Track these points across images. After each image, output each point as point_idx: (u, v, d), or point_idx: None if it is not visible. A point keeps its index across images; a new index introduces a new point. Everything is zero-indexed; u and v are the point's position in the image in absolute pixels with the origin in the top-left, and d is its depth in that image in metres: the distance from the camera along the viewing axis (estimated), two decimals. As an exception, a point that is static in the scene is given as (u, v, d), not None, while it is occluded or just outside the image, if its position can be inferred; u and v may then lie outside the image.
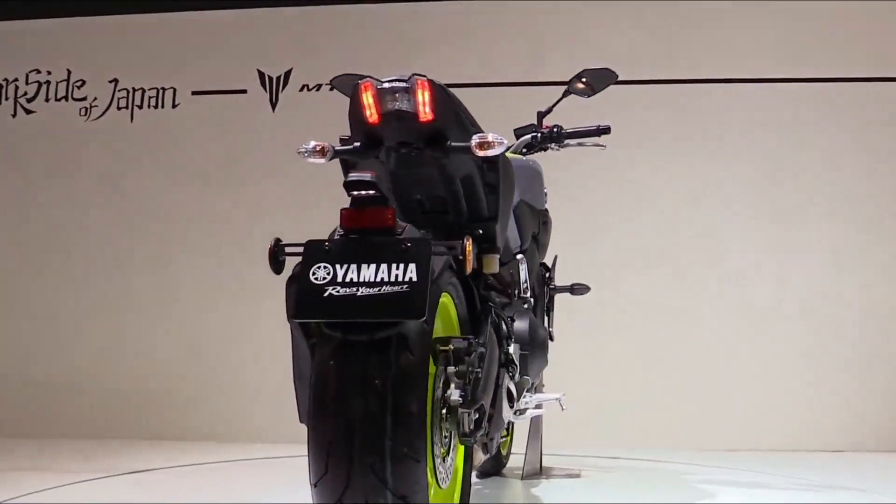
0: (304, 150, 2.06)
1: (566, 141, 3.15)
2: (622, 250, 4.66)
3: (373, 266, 1.68)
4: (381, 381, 1.66)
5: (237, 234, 4.98)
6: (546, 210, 3.13)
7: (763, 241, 4.64)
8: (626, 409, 4.48)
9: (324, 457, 1.66)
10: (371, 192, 1.78)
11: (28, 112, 5.25)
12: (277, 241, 1.83)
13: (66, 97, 5.23)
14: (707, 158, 4.73)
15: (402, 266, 1.68)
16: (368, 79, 2.02)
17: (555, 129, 3.14)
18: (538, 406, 2.88)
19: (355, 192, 1.78)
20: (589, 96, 3.14)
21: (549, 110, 3.23)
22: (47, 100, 5.24)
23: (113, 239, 5.07)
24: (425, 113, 2.00)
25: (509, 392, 2.39)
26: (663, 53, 4.80)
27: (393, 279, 1.67)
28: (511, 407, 2.42)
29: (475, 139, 2.03)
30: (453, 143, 2.07)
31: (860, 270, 4.59)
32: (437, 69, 4.86)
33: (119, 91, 5.19)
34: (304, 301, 1.68)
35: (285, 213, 4.91)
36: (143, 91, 5.17)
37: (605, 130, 3.08)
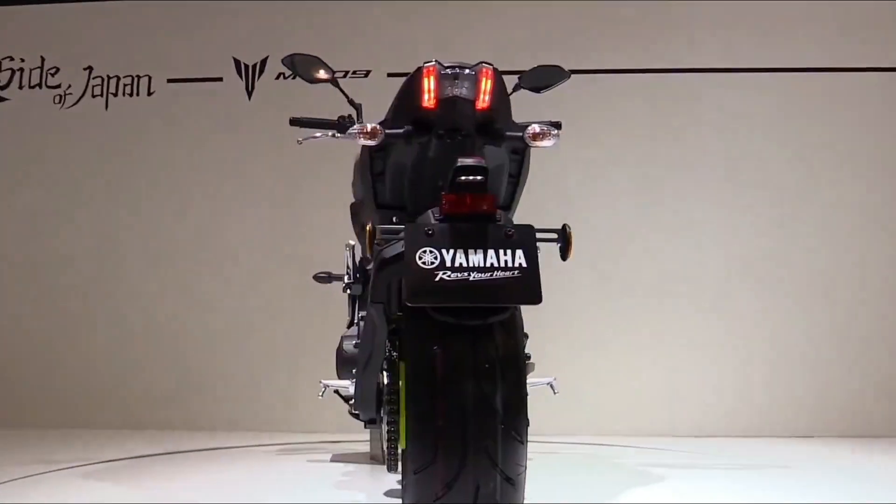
0: (355, 131, 2.02)
1: None
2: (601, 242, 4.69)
3: (480, 251, 1.67)
4: (490, 365, 1.66)
5: (213, 222, 4.97)
6: None
7: (737, 226, 4.69)
8: (596, 396, 4.53)
9: (432, 443, 1.64)
10: (480, 177, 1.75)
11: (1, 100, 5.20)
12: (374, 226, 1.77)
13: (39, 85, 5.18)
14: (697, 143, 4.77)
15: (509, 252, 1.68)
16: (434, 63, 2.00)
17: None
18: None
19: (464, 178, 1.74)
20: (539, 92, 3.14)
21: None
22: (21, 87, 5.19)
23: (89, 227, 5.04)
24: (483, 101, 2.01)
25: None
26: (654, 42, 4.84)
27: (503, 265, 1.67)
28: None
29: (530, 129, 2.05)
30: (508, 132, 2.07)
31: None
32: (409, 55, 4.90)
33: (94, 79, 5.15)
34: (416, 286, 1.64)
35: (262, 200, 4.91)
36: (118, 79, 5.14)
37: (556, 125, 3.09)
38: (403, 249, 1.70)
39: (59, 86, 5.17)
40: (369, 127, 2.01)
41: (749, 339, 4.63)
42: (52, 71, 5.18)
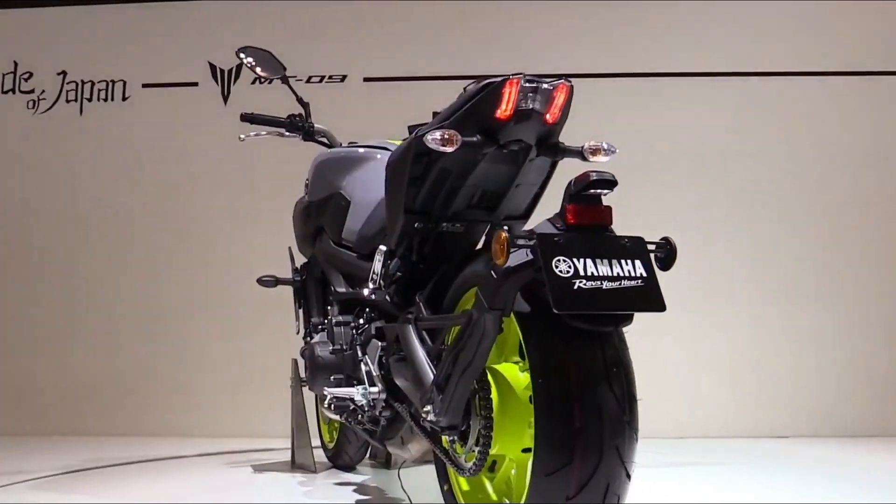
0: (434, 137, 2.03)
1: None
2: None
3: (605, 261, 1.73)
4: (617, 368, 1.75)
5: (189, 227, 4.95)
6: None
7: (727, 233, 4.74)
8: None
9: (569, 445, 1.70)
10: (608, 192, 1.81)
11: (-27, 105, 5.15)
12: (510, 233, 1.79)
13: (13, 90, 5.14)
14: (713, 146, 4.81)
15: (629, 262, 1.74)
16: (520, 75, 2.03)
17: None
18: None
19: (594, 190, 1.80)
20: None
21: None
22: (-7, 92, 5.16)
23: (62, 234, 5.01)
24: (553, 114, 2.06)
25: None
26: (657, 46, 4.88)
27: (626, 274, 1.73)
28: None
29: (587, 145, 2.10)
30: (566, 147, 2.13)
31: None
32: (386, 60, 4.93)
33: (68, 83, 5.12)
34: (559, 294, 1.68)
35: (238, 205, 4.90)
36: (93, 83, 5.11)
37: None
38: (530, 258, 1.76)
39: (32, 91, 5.13)
40: (448, 134, 2.03)
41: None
42: (26, 76, 5.14)
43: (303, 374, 3.42)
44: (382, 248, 2.42)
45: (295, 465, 3.52)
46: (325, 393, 2.62)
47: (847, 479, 3.36)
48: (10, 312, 4.98)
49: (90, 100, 5.10)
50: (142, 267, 4.96)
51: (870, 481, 3.32)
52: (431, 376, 2.10)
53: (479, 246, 2.47)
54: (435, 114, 3.28)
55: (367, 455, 3.52)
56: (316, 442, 3.59)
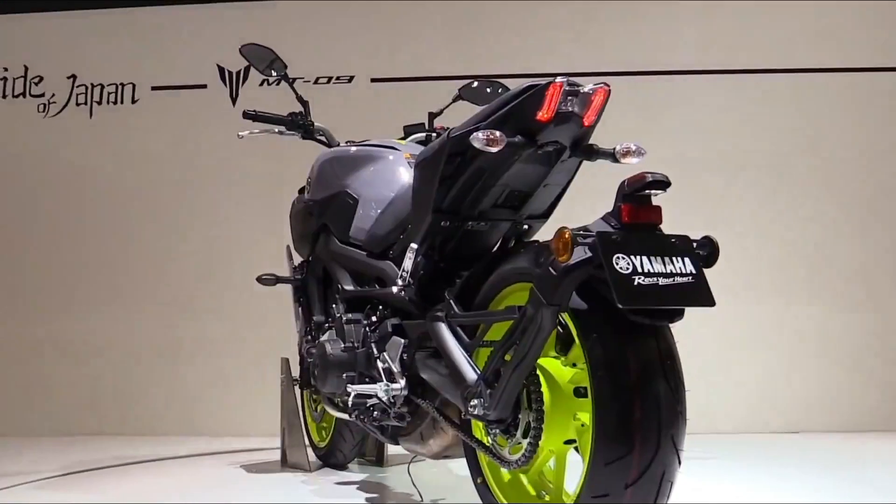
0: (481, 138, 2.08)
1: None
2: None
3: (658, 258, 1.80)
4: (671, 360, 1.84)
5: (198, 228, 4.98)
6: None
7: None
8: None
9: (629, 434, 1.78)
10: (662, 192, 1.87)
11: (-16, 109, 5.19)
12: (574, 231, 1.84)
13: (23, 94, 5.18)
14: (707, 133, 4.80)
15: (679, 259, 1.82)
16: (564, 79, 2.08)
17: (445, 131, 3.26)
18: None
19: (648, 191, 1.86)
20: (479, 105, 3.24)
21: (440, 112, 3.35)
22: (4, 96, 5.19)
23: (71, 235, 5.04)
24: (589, 118, 2.12)
25: None
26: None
27: (678, 271, 1.80)
28: None
29: (619, 147, 2.14)
30: (600, 148, 2.18)
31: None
32: (393, 61, 4.94)
33: (77, 87, 5.15)
34: (623, 290, 1.75)
35: (247, 206, 4.92)
36: (103, 87, 5.14)
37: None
38: (588, 255, 1.81)
39: (42, 94, 5.17)
40: (494, 134, 2.08)
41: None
42: (36, 80, 5.18)
43: (294, 373, 3.45)
44: (414, 245, 2.44)
45: (287, 465, 3.50)
46: (349, 390, 2.60)
47: (859, 475, 3.37)
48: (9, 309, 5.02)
49: (100, 103, 5.13)
50: (148, 267, 4.98)
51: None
52: (472, 371, 2.15)
53: (497, 245, 2.51)
54: (431, 114, 3.34)
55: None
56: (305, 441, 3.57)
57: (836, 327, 4.66)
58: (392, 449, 3.54)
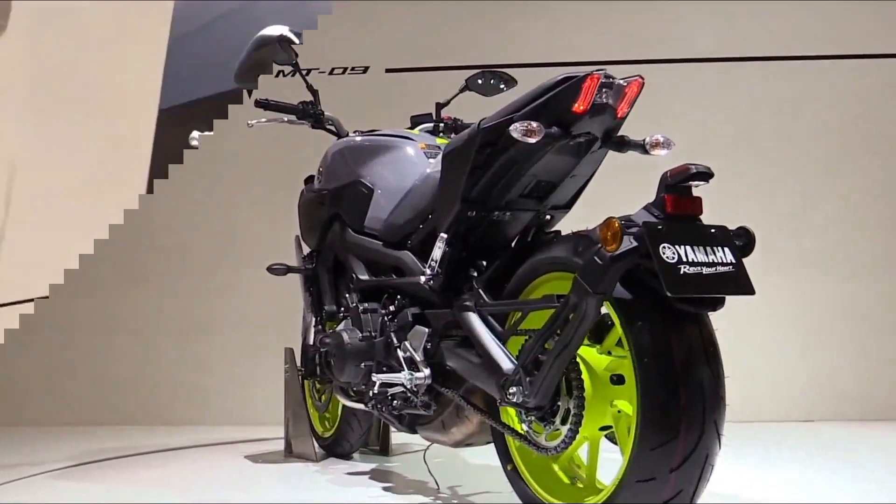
0: (520, 129, 2.10)
1: None
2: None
3: (700, 248, 1.85)
4: (713, 347, 1.90)
5: (209, 219, 5.00)
6: None
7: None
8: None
9: (675, 420, 1.83)
10: (704, 183, 1.92)
11: None
12: (621, 220, 1.89)
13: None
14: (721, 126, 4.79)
15: (720, 249, 1.87)
16: (602, 72, 2.10)
17: (453, 121, 3.30)
18: None
19: (693, 182, 1.91)
20: (486, 96, 3.25)
21: (448, 102, 3.36)
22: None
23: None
24: (622, 109, 2.15)
25: None
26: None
27: (720, 260, 1.85)
28: None
29: (649, 139, 2.19)
30: (630, 139, 2.22)
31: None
32: (408, 52, 4.94)
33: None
34: (670, 278, 1.80)
35: (260, 198, 4.93)
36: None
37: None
38: (634, 245, 1.86)
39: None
40: (533, 125, 2.10)
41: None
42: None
43: (298, 363, 3.41)
44: (444, 235, 2.44)
45: (292, 454, 3.48)
46: (374, 380, 2.59)
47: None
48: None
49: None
50: (163, 255, 5.01)
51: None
52: (508, 360, 2.17)
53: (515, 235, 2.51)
54: (438, 104, 3.34)
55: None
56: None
57: (855, 312, 4.63)
58: (396, 438, 3.57)
